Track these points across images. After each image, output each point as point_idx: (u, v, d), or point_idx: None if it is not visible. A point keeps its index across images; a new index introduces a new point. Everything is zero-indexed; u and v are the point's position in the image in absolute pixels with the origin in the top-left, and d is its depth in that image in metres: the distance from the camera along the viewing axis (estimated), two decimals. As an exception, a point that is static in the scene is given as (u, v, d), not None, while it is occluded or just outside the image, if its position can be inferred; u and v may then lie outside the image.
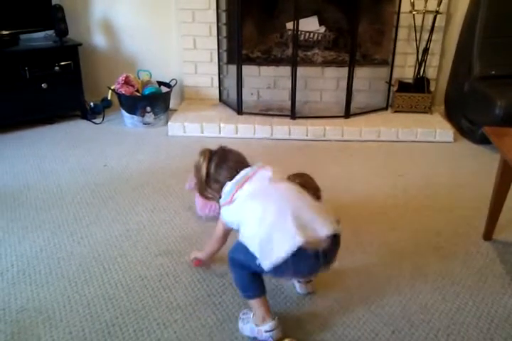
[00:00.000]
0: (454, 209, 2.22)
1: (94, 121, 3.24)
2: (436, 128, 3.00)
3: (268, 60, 3.35)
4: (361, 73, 3.20)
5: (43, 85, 3.03)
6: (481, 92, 2.89)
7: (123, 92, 3.09)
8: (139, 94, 3.14)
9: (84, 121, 3.26)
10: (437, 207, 2.25)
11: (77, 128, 3.17)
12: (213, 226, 2.01)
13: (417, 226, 2.09)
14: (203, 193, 1.60)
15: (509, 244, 1.97)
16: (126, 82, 3.12)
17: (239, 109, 3.18)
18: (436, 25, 3.09)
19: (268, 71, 3.32)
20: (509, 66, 2.97)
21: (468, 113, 3.00)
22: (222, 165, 1.52)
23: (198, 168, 1.54)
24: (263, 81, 3.35)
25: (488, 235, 1.98)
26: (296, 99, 3.09)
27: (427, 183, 2.49)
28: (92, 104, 3.31)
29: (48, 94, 3.06)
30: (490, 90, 2.84)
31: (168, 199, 2.30)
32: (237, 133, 3.02)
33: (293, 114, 3.11)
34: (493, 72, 2.96)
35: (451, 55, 3.28)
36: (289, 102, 3.11)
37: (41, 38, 3.18)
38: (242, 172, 1.48)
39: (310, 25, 3.34)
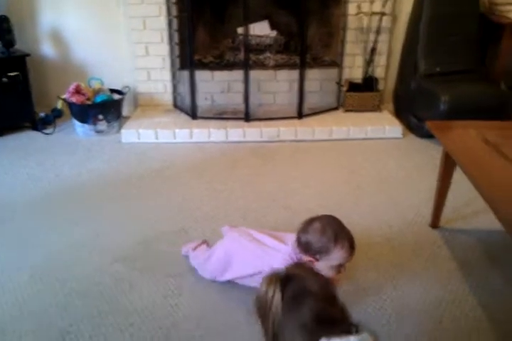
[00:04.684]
0: (403, 201, 2.30)
1: (44, 131, 3.18)
2: (385, 125, 3.09)
3: (221, 64, 3.37)
4: (312, 75, 3.27)
5: (-10, 97, 2.96)
6: (427, 89, 3.00)
7: (73, 101, 3.05)
8: (90, 103, 3.11)
9: (35, 132, 3.19)
10: (388, 200, 2.32)
11: (27, 139, 3.10)
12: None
13: (370, 219, 2.15)
14: None
15: (455, 231, 2.05)
16: (77, 90, 3.08)
17: (193, 113, 3.19)
18: (382, 26, 3.19)
19: (221, 75, 3.34)
20: (452, 63, 3.09)
21: (416, 109, 3.11)
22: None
23: (263, 305, 0.94)
24: (217, 85, 3.36)
25: (435, 223, 2.06)
26: (250, 101, 3.12)
27: (378, 178, 2.56)
28: (42, 114, 3.24)
29: (-4, 106, 2.99)
30: (435, 87, 2.95)
31: (121, 207, 2.28)
32: (191, 137, 3.02)
33: (247, 117, 3.15)
34: (438, 70, 3.07)
35: (398, 54, 3.38)
36: (243, 105, 3.14)
37: (-13, 49, 3.11)
38: None
39: (261, 29, 3.38)
